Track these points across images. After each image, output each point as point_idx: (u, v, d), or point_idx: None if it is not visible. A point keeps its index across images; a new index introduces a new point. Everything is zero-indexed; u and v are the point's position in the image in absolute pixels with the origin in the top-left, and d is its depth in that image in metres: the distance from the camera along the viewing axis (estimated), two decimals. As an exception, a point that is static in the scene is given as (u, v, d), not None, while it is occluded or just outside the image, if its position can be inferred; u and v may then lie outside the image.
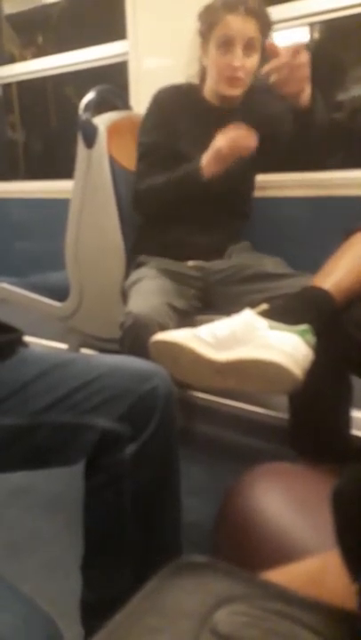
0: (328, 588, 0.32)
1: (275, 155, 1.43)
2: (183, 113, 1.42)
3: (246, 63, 1.30)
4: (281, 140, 1.36)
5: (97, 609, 0.79)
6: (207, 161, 1.29)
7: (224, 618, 0.29)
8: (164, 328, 1.12)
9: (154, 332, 1.09)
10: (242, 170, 1.38)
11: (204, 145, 1.33)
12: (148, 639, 0.28)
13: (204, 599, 0.30)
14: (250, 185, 1.49)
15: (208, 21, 1.33)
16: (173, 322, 1.21)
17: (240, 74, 1.31)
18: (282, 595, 0.30)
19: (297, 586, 0.32)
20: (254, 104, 1.41)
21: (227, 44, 1.29)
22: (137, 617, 0.30)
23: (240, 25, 1.28)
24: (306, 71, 1.17)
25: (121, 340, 1.16)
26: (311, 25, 1.99)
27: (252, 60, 1.32)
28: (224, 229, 1.44)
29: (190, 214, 1.40)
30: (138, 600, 0.31)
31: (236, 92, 1.36)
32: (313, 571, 0.35)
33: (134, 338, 1.12)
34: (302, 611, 0.29)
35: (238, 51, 1.29)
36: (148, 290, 1.27)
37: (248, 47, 1.30)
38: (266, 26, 1.32)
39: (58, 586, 1.03)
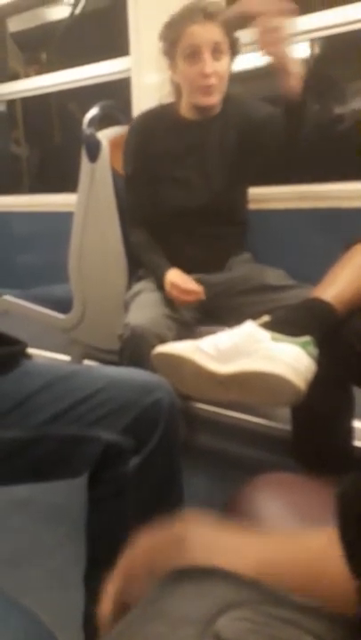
0: (327, 581, 0.32)
1: (266, 162, 1.43)
2: (161, 135, 1.42)
3: (217, 68, 1.29)
4: (269, 144, 1.34)
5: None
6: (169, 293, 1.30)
7: (227, 624, 0.29)
8: (162, 339, 1.13)
9: (152, 344, 1.10)
10: (225, 181, 1.38)
11: (189, 162, 1.35)
12: None
13: (207, 605, 0.30)
14: (238, 194, 1.47)
15: (170, 38, 1.32)
16: (173, 333, 1.21)
17: (213, 80, 1.29)
18: (285, 600, 0.30)
19: (296, 574, 0.32)
20: (234, 109, 1.39)
21: (194, 54, 1.28)
22: (139, 624, 0.30)
23: (203, 32, 1.26)
24: (281, 34, 1.11)
25: (120, 351, 1.17)
26: (311, 40, 2.03)
27: (223, 64, 1.30)
28: (222, 241, 1.44)
29: (185, 229, 1.41)
30: (140, 607, 0.31)
31: (213, 99, 1.34)
32: (313, 560, 0.35)
33: (133, 349, 1.13)
34: (305, 616, 0.29)
35: (207, 57, 1.27)
36: (147, 302, 1.28)
37: (216, 52, 1.28)
38: (230, 27, 1.29)
39: (60, 598, 1.02)
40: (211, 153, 1.40)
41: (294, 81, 1.16)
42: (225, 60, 1.30)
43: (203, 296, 1.29)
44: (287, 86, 1.16)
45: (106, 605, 0.39)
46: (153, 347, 1.08)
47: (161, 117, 1.44)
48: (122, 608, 0.38)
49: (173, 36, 1.30)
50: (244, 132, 1.37)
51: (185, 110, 1.43)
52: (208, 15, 1.27)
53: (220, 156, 1.39)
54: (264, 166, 1.50)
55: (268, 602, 0.30)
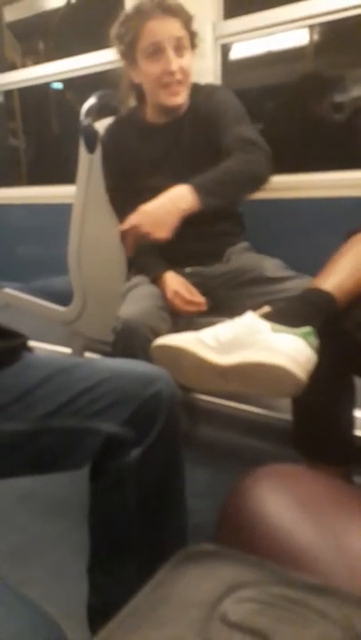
0: None
1: None
2: (132, 146, 1.39)
3: (182, 64, 1.24)
4: (227, 139, 1.28)
5: (103, 612, 0.79)
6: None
7: (233, 605, 0.29)
8: (155, 331, 1.12)
9: (145, 336, 1.10)
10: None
11: (165, 168, 1.32)
12: (158, 629, 0.28)
13: (213, 587, 0.30)
14: None
15: (128, 37, 1.26)
16: (167, 325, 1.21)
17: (178, 76, 1.25)
18: (291, 580, 0.30)
19: None
20: (202, 102, 1.34)
21: (156, 52, 1.23)
22: (146, 607, 0.30)
23: (163, 27, 1.21)
24: None
25: (113, 344, 1.17)
26: (311, 27, 2.00)
27: (186, 60, 1.26)
28: (217, 235, 1.41)
29: (177, 231, 1.39)
30: (146, 591, 0.32)
31: (179, 99, 1.29)
32: None
33: (125, 342, 1.13)
34: (312, 596, 0.29)
35: (170, 53, 1.22)
36: (140, 295, 1.28)
37: (178, 48, 1.23)
38: (188, 19, 1.25)
39: (64, 589, 1.03)
40: (186, 154, 1.35)
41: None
42: (188, 56, 1.26)
43: (204, 308, 1.28)
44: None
45: None
46: (146, 339, 1.08)
47: (128, 126, 1.40)
48: None
49: (131, 34, 1.25)
50: (213, 125, 1.32)
51: (151, 114, 1.38)
52: (166, 9, 1.22)
53: (196, 154, 1.35)
54: None
55: (274, 582, 0.30)
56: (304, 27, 1.75)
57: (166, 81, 1.25)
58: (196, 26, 1.33)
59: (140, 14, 1.23)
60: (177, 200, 1.14)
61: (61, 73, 2.13)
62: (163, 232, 1.14)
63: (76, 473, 0.78)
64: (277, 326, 0.87)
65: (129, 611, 0.31)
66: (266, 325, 0.87)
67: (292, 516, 0.57)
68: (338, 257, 0.99)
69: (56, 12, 2.83)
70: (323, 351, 0.87)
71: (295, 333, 0.85)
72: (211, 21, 1.56)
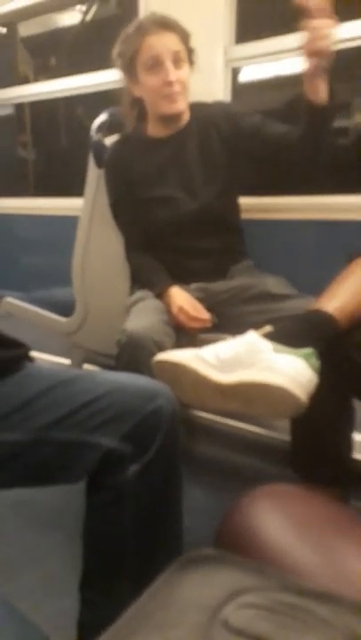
0: None
1: (261, 169, 1.44)
2: (137, 161, 1.43)
3: (179, 75, 1.30)
4: (259, 153, 1.36)
5: (94, 629, 0.78)
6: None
7: (235, 611, 0.29)
8: (160, 346, 1.13)
9: (149, 350, 1.10)
10: (210, 190, 1.39)
11: (170, 179, 1.36)
12: (159, 634, 0.28)
13: (215, 592, 0.30)
14: (228, 202, 1.46)
15: (128, 53, 1.32)
16: (171, 340, 1.21)
17: (177, 87, 1.30)
18: (293, 586, 0.30)
19: None
20: (203, 116, 1.40)
21: (155, 65, 1.29)
22: (147, 612, 0.30)
23: (161, 42, 1.27)
24: (327, 42, 1.09)
25: (117, 357, 1.17)
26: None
27: (184, 72, 1.31)
28: (220, 251, 1.43)
29: (181, 245, 1.41)
30: (148, 595, 0.31)
31: (179, 106, 1.34)
32: None
33: (130, 355, 1.13)
34: (313, 602, 0.29)
35: (169, 65, 1.28)
36: (146, 308, 1.29)
37: (176, 60, 1.29)
38: (185, 35, 1.32)
39: (55, 603, 1.02)
40: (188, 166, 1.40)
41: (324, 88, 1.17)
42: (185, 68, 1.32)
43: (210, 324, 1.29)
44: (316, 93, 1.17)
45: None
46: (150, 353, 1.08)
47: (132, 142, 1.45)
48: None
49: (131, 50, 1.31)
50: (228, 139, 1.37)
51: (153, 129, 1.43)
52: (163, 25, 1.29)
53: (200, 166, 1.40)
54: (254, 173, 1.51)
55: (276, 588, 0.30)
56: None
57: (166, 91, 1.31)
58: (208, 48, 1.38)
59: (140, 30, 1.29)
60: None
61: (72, 89, 2.17)
62: None
63: (72, 485, 0.78)
64: (279, 346, 0.87)
65: (130, 614, 0.31)
66: (267, 345, 0.88)
67: (289, 535, 0.57)
68: (340, 279, 1.00)
69: (70, 29, 2.88)
70: (323, 373, 0.87)
71: (296, 354, 0.85)
72: (222, 45, 1.59)
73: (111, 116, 1.64)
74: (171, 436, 0.77)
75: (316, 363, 0.86)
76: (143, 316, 1.23)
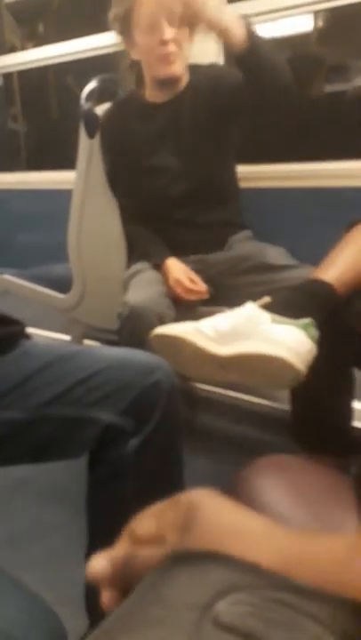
0: (354, 571, 0.32)
1: (251, 134, 1.40)
2: (132, 126, 1.38)
3: (177, 35, 1.24)
4: (242, 111, 1.30)
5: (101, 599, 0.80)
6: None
7: (226, 608, 0.28)
8: (162, 318, 1.12)
9: (151, 322, 1.09)
10: (206, 159, 1.35)
11: (165, 148, 1.32)
12: (149, 631, 0.28)
13: (205, 589, 0.30)
14: (224, 171, 1.43)
15: (122, 11, 1.26)
16: (172, 312, 1.21)
17: (172, 47, 1.24)
18: (285, 584, 0.30)
19: (319, 563, 0.32)
20: (201, 80, 1.34)
21: (151, 24, 1.23)
22: (138, 608, 0.30)
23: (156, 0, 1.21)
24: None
25: (119, 330, 1.17)
26: (315, 13, 1.97)
27: (183, 33, 1.25)
28: (218, 222, 1.41)
29: (178, 216, 1.38)
30: (139, 591, 0.31)
31: (174, 68, 1.28)
32: (337, 550, 0.34)
33: (132, 328, 1.13)
34: (305, 600, 0.29)
35: (164, 25, 1.22)
36: (146, 281, 1.27)
37: (172, 20, 1.23)
38: None
39: (62, 575, 1.04)
40: (185, 133, 1.35)
41: (238, 34, 1.12)
42: (185, 30, 1.26)
43: (206, 295, 1.28)
44: (233, 43, 1.13)
45: (104, 566, 0.39)
46: (153, 326, 1.07)
47: (128, 107, 1.40)
48: (122, 573, 0.38)
49: (125, 8, 1.25)
50: (215, 101, 1.31)
51: (150, 93, 1.38)
52: None
53: (196, 133, 1.35)
54: (252, 140, 1.47)
55: (268, 585, 0.30)
56: (308, 12, 1.72)
57: (160, 51, 1.25)
58: None
59: None
60: None
61: (61, 56, 2.11)
62: None
63: (74, 460, 0.78)
64: (277, 317, 0.86)
65: (120, 611, 0.31)
66: (266, 316, 0.87)
67: (291, 506, 0.58)
68: (339, 248, 0.98)
69: (57, -7, 2.78)
70: (323, 342, 0.87)
71: (295, 325, 0.84)
72: (214, 5, 1.53)
73: (101, 83, 1.60)
74: (170, 410, 0.77)
75: (315, 333, 0.86)
76: (143, 289, 1.22)
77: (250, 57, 1.15)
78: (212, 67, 1.40)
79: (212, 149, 1.36)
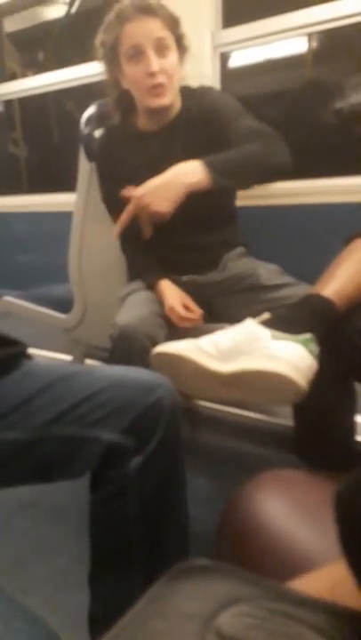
0: (343, 597, 0.32)
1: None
2: (126, 155, 1.38)
3: (164, 65, 1.21)
4: (236, 130, 1.25)
5: (105, 622, 0.79)
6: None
7: (228, 619, 0.28)
8: (153, 338, 1.12)
9: (142, 343, 1.09)
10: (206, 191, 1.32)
11: (159, 172, 1.25)
12: None
13: (208, 601, 0.30)
14: (222, 194, 1.37)
15: (109, 42, 1.23)
16: (164, 331, 1.20)
17: (161, 78, 1.21)
18: (286, 595, 0.30)
19: (316, 593, 0.32)
20: (195, 105, 1.31)
21: (137, 54, 1.20)
22: (141, 620, 0.30)
23: (142, 29, 1.18)
24: None
25: (110, 351, 1.16)
26: (309, 35, 2.02)
27: (170, 60, 1.22)
28: (213, 243, 1.39)
29: (175, 237, 1.37)
30: (142, 604, 0.31)
31: (164, 100, 1.25)
32: (334, 577, 0.35)
33: (123, 349, 1.12)
34: (307, 611, 0.29)
35: (150, 54, 1.19)
36: (137, 301, 1.27)
37: (160, 48, 1.20)
38: (171, 20, 1.22)
39: (66, 598, 1.02)
40: (179, 160, 1.28)
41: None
42: (172, 56, 1.23)
43: (200, 321, 1.27)
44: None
45: None
46: (142, 346, 1.07)
47: (121, 134, 1.39)
48: None
49: (111, 38, 1.23)
50: (208, 129, 1.29)
51: (143, 122, 1.37)
52: (143, 10, 1.18)
53: (193, 156, 1.28)
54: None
55: (269, 597, 0.30)
56: (302, 35, 1.76)
57: (149, 83, 1.23)
58: (195, 34, 1.32)
59: (120, 18, 1.21)
60: (184, 174, 1.14)
61: (61, 82, 2.15)
62: (165, 205, 1.14)
63: (76, 481, 0.78)
64: (277, 333, 0.87)
65: (124, 623, 0.30)
66: (266, 332, 0.87)
67: (293, 521, 0.57)
68: (338, 263, 0.99)
69: (56, 22, 2.85)
70: (323, 357, 0.87)
71: (296, 340, 0.85)
72: (210, 30, 1.57)
73: (100, 108, 1.63)
74: (172, 428, 0.77)
75: (316, 348, 0.86)
76: (134, 309, 1.22)
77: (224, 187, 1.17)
78: (207, 93, 1.36)
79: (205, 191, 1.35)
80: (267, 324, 0.90)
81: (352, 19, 1.43)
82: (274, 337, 0.86)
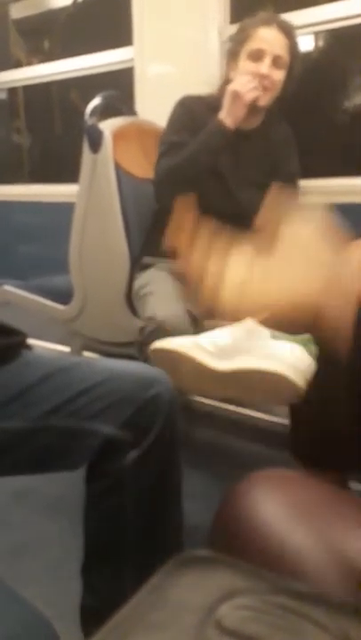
0: None
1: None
2: (205, 124, 1.40)
3: (273, 74, 1.33)
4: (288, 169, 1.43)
5: (97, 613, 0.79)
6: (227, 109, 1.31)
7: (228, 612, 0.29)
8: (184, 335, 1.11)
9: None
10: (247, 193, 1.40)
11: (225, 163, 1.37)
12: (152, 635, 0.28)
13: (208, 593, 0.30)
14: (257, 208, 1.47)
15: (240, 37, 1.36)
16: (192, 329, 1.20)
17: (266, 82, 1.33)
18: (287, 589, 0.31)
19: None
20: (273, 131, 1.45)
21: (257, 56, 1.33)
22: (140, 612, 0.30)
23: (271, 38, 1.32)
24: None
25: (140, 344, 1.15)
26: (316, 34, 2.01)
27: (279, 74, 1.34)
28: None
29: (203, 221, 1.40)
30: (141, 595, 0.32)
31: (260, 100, 1.34)
32: None
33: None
34: (307, 604, 0.29)
35: (267, 61, 1.32)
36: (169, 294, 1.27)
37: (276, 62, 1.33)
38: (294, 47, 1.36)
39: (59, 588, 1.03)
40: (243, 165, 1.43)
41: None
42: (281, 72, 1.35)
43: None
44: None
45: None
46: None
47: (210, 108, 1.41)
48: None
49: (243, 35, 1.35)
50: (271, 152, 1.42)
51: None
52: (281, 26, 1.33)
53: (250, 171, 1.43)
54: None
55: (270, 590, 0.31)
56: (309, 33, 1.76)
57: (255, 82, 1.32)
58: (202, 28, 1.36)
59: (260, 20, 1.34)
60: None
61: (66, 72, 2.14)
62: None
63: (72, 473, 0.79)
64: (277, 333, 0.87)
65: (123, 615, 0.31)
66: (265, 332, 0.88)
67: (288, 520, 0.58)
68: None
69: (62, 10, 2.82)
70: (321, 358, 0.87)
71: (294, 340, 0.85)
72: (217, 25, 1.57)
73: (105, 99, 1.62)
74: (169, 423, 0.77)
75: (314, 348, 0.86)
76: (169, 304, 1.22)
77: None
78: (288, 137, 1.50)
79: (258, 194, 1.39)
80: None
81: (357, 19, 1.43)
82: (273, 336, 0.87)
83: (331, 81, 2.15)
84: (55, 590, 1.04)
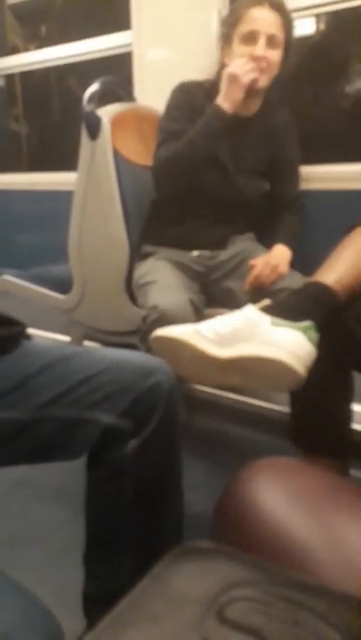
0: None
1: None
2: (203, 110, 1.38)
3: (269, 55, 1.29)
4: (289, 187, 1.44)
5: (98, 601, 0.80)
6: (225, 93, 1.30)
7: (230, 603, 0.29)
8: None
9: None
10: (247, 179, 1.41)
11: (222, 149, 1.35)
12: (154, 624, 0.28)
13: (210, 584, 0.30)
14: (257, 192, 1.47)
15: (232, 19, 1.33)
16: (195, 318, 1.20)
17: (262, 63, 1.29)
18: (290, 580, 0.31)
19: None
20: (271, 116, 1.43)
21: (250, 38, 1.29)
22: (141, 603, 0.30)
23: (264, 18, 1.29)
24: None
25: (143, 333, 1.15)
26: (317, 16, 1.98)
27: (275, 54, 1.31)
28: (232, 224, 1.45)
29: (203, 208, 1.41)
30: (142, 586, 0.32)
31: (258, 82, 1.31)
32: None
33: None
34: (308, 596, 0.29)
35: (262, 42, 1.29)
36: (171, 284, 1.26)
37: (271, 42, 1.30)
38: (288, 24, 1.32)
39: (60, 577, 1.04)
40: (242, 151, 1.41)
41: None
42: (277, 52, 1.32)
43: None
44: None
45: None
46: None
47: (208, 93, 1.39)
48: None
49: (236, 16, 1.32)
50: (271, 138, 1.41)
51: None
52: (274, 4, 1.30)
53: (250, 158, 1.42)
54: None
55: (272, 581, 0.31)
56: (310, 16, 1.73)
57: (251, 65, 1.30)
58: (202, 10, 1.34)
59: (251, 2, 1.31)
60: None
61: (63, 58, 2.11)
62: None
63: (73, 462, 0.78)
64: (277, 320, 0.87)
65: (125, 605, 0.31)
66: (266, 319, 0.87)
67: (289, 508, 0.57)
68: (339, 250, 0.98)
69: (60, -5, 2.79)
70: (322, 345, 0.87)
71: (295, 327, 0.85)
72: (217, 8, 1.54)
73: (103, 85, 1.60)
74: (169, 412, 0.77)
75: (315, 336, 0.86)
76: (172, 293, 1.21)
77: None
78: (289, 119, 1.48)
79: (256, 178, 1.43)
80: (267, 310, 0.90)
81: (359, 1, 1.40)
82: (274, 323, 0.86)
83: (333, 64, 2.13)
84: (56, 578, 1.05)
